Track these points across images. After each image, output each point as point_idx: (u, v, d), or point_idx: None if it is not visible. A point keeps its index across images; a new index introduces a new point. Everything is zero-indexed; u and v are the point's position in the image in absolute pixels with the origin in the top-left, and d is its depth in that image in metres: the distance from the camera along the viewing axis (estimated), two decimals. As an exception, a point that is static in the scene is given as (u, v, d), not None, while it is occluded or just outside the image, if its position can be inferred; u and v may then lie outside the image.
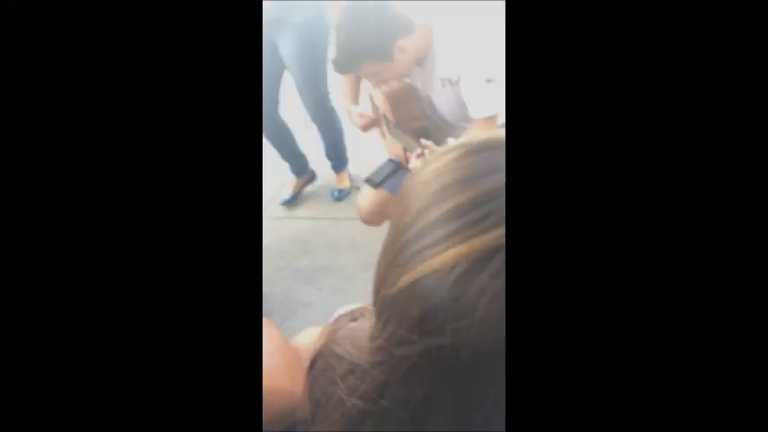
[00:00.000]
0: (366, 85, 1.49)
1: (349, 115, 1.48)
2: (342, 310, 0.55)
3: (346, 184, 2.12)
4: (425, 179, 0.36)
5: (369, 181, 1.49)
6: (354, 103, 1.51)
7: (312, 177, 2.18)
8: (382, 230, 1.69)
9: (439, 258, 0.32)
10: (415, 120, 1.32)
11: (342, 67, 1.21)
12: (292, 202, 2.10)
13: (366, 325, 0.45)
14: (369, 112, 1.47)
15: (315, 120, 1.96)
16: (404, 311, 0.34)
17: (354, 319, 0.50)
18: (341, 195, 2.09)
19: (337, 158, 2.10)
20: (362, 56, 1.15)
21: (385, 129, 1.48)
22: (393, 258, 0.35)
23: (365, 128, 1.44)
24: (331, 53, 1.21)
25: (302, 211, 2.08)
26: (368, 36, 1.13)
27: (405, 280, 0.33)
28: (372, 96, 1.48)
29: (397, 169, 1.47)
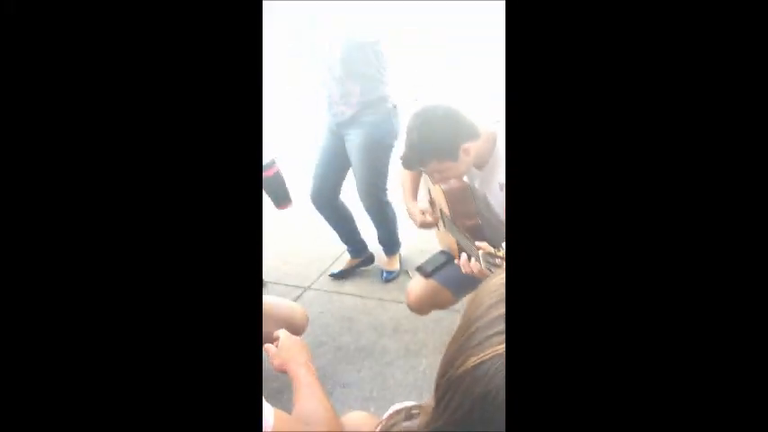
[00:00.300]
0: (425, 179, 1.58)
1: (408, 211, 1.56)
2: (398, 406, 0.57)
3: (396, 266, 2.17)
4: (499, 282, 0.41)
5: (420, 270, 1.52)
6: (413, 196, 1.59)
7: (370, 261, 2.23)
8: (427, 319, 1.68)
9: (504, 345, 0.36)
10: (469, 218, 1.37)
11: (410, 165, 1.30)
12: (340, 276, 2.17)
13: (422, 422, 0.47)
14: (428, 208, 1.54)
15: (369, 211, 2.03)
16: (467, 390, 0.37)
17: (410, 418, 0.52)
18: (389, 277, 2.13)
19: (389, 245, 2.16)
20: (431, 155, 1.24)
21: (441, 223, 1.54)
22: (464, 342, 0.39)
23: (423, 226, 1.51)
24: (401, 151, 1.31)
25: (349, 287, 2.12)
26: (437, 138, 1.22)
27: (472, 361, 0.37)
28: (431, 190, 1.55)
29: (447, 261, 1.51)
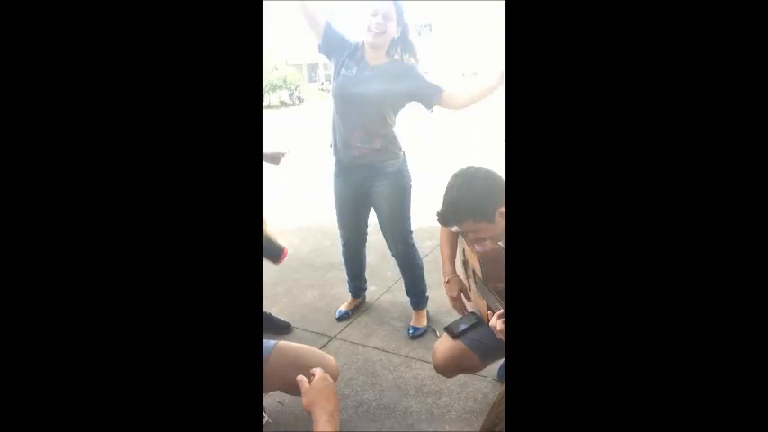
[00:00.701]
0: (461, 240, 1.59)
1: (446, 285, 1.59)
2: None
3: (424, 322, 2.15)
4: None
5: (448, 330, 1.51)
6: (451, 259, 1.61)
7: (363, 300, 2.38)
8: (452, 382, 1.64)
9: None
10: (501, 281, 1.37)
11: (446, 221, 1.34)
12: (347, 317, 2.26)
13: None
14: (462, 277, 1.57)
15: (396, 255, 2.09)
16: None
17: None
18: (416, 333, 2.11)
19: (417, 296, 2.16)
20: (467, 214, 1.28)
21: (472, 283, 1.54)
22: (501, 410, 0.42)
23: (452, 299, 1.55)
24: (439, 208, 1.34)
25: (375, 340, 2.10)
26: (475, 198, 1.26)
27: None
28: (465, 251, 1.56)
29: (477, 324, 1.49)
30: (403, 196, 1.97)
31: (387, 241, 2.07)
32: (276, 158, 2.07)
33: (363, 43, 1.82)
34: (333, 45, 1.87)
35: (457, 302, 1.59)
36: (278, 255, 1.41)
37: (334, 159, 2.01)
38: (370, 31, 1.74)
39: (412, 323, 2.16)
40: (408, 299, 2.20)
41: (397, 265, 2.15)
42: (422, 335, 2.11)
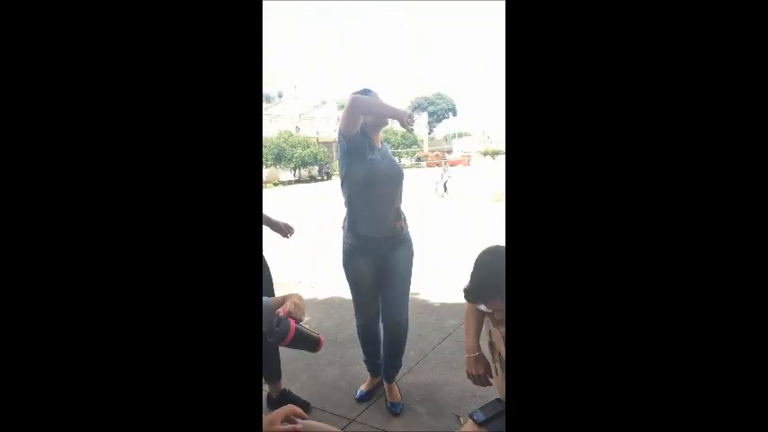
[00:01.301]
0: (487, 321, 1.57)
1: (470, 361, 1.55)
2: None
3: (398, 396, 2.12)
4: None
5: (473, 416, 1.44)
6: (475, 337, 1.57)
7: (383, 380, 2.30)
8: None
9: None
10: (530, 367, 1.33)
11: (473, 298, 1.33)
12: (367, 398, 2.19)
13: None
14: (487, 354, 1.52)
15: (395, 324, 2.03)
16: None
17: None
18: (395, 409, 2.08)
19: (395, 369, 2.14)
20: (494, 293, 1.27)
21: (498, 367, 1.49)
22: None
23: (471, 376, 1.50)
24: (466, 284, 1.34)
25: (396, 425, 2.01)
26: (503, 276, 1.25)
27: None
28: (492, 333, 1.53)
29: (503, 411, 1.42)
30: (412, 262, 2.04)
31: (389, 307, 2.03)
32: (283, 231, 2.16)
33: (367, 130, 1.94)
34: (357, 140, 1.95)
35: (482, 381, 1.52)
36: (315, 345, 1.41)
37: (351, 237, 2.02)
38: (413, 121, 1.83)
39: (389, 399, 2.12)
40: (384, 371, 2.16)
41: (416, 343, 2.10)
42: (402, 409, 2.06)
